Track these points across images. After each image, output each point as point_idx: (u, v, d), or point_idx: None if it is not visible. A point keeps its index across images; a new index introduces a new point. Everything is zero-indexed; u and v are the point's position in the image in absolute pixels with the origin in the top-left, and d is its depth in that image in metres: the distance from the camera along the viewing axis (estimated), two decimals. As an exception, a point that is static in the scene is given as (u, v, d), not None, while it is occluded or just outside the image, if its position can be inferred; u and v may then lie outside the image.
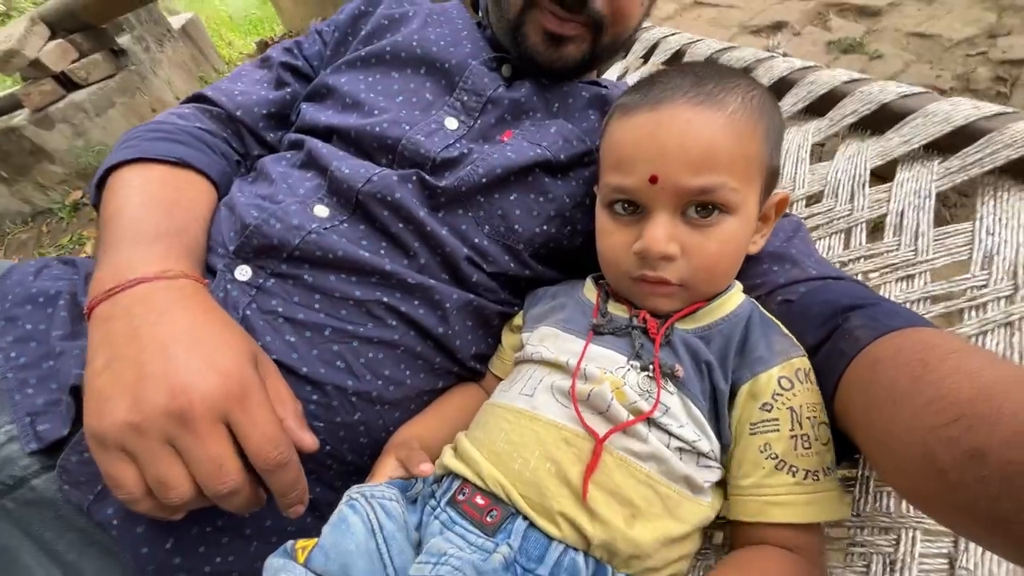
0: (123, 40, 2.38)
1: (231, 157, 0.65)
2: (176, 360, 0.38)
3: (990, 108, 0.59)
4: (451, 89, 0.61)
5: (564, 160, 0.57)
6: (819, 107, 0.72)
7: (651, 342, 0.45)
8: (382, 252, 0.53)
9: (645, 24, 0.98)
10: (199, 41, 3.12)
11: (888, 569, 0.40)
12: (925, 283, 0.55)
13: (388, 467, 0.45)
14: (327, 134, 0.60)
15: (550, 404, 0.43)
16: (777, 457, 0.40)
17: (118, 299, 0.41)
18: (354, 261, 0.51)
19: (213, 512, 0.41)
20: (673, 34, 0.95)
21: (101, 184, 0.55)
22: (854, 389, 0.39)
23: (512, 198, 0.56)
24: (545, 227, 0.57)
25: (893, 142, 0.63)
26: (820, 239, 0.63)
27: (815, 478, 0.40)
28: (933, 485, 0.30)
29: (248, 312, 0.49)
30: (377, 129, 0.57)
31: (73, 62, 2.18)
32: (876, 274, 0.57)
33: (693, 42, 0.91)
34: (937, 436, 0.29)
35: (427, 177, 0.54)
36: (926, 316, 0.52)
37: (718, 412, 0.43)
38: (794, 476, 0.40)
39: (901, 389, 0.33)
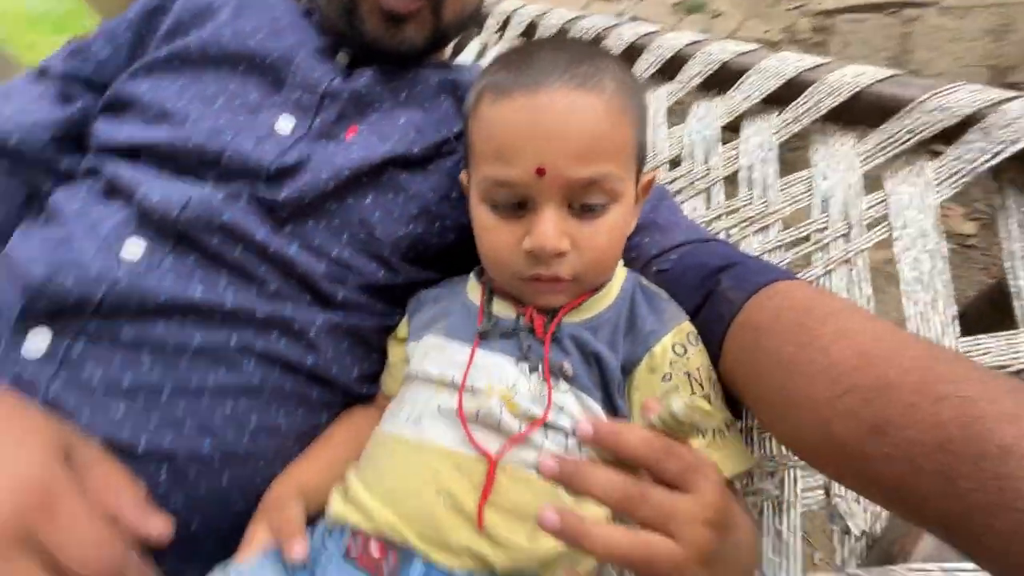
0: None
1: (14, 198, 0.53)
2: None
3: (811, 60, 0.63)
4: (279, 86, 0.53)
5: (419, 153, 0.53)
6: (669, 70, 0.74)
7: (539, 342, 0.42)
8: (223, 286, 0.45)
9: (515, 2, 0.95)
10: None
11: (776, 511, 0.43)
12: (777, 232, 0.58)
13: (259, 538, 0.39)
14: (132, 153, 0.50)
15: (439, 428, 0.40)
16: None
17: None
18: (185, 303, 0.43)
19: None
20: (524, 6, 0.93)
21: None
22: (739, 354, 0.40)
23: (367, 201, 0.51)
24: (410, 227, 0.52)
25: (736, 99, 0.66)
26: (685, 201, 0.65)
27: (722, 435, 0.40)
28: (833, 455, 0.31)
29: (53, 388, 0.39)
30: (193, 141, 0.48)
31: None
32: (736, 229, 0.60)
33: (545, 13, 0.89)
34: (833, 408, 0.30)
35: (262, 191, 0.47)
36: (783, 263, 0.56)
37: (612, 398, 0.42)
38: (703, 437, 0.40)
39: (788, 356, 0.34)
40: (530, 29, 0.90)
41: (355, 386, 0.52)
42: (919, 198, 0.53)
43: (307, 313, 0.47)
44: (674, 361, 0.41)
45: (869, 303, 0.50)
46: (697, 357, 0.42)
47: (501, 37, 0.95)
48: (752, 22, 1.53)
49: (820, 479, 0.44)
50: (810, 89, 0.61)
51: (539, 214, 0.40)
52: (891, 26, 1.34)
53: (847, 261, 0.53)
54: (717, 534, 0.27)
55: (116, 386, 0.41)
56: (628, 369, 0.42)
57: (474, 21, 0.63)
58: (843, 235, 0.54)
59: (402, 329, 0.53)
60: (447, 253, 0.56)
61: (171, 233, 0.45)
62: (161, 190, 0.45)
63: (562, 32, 0.85)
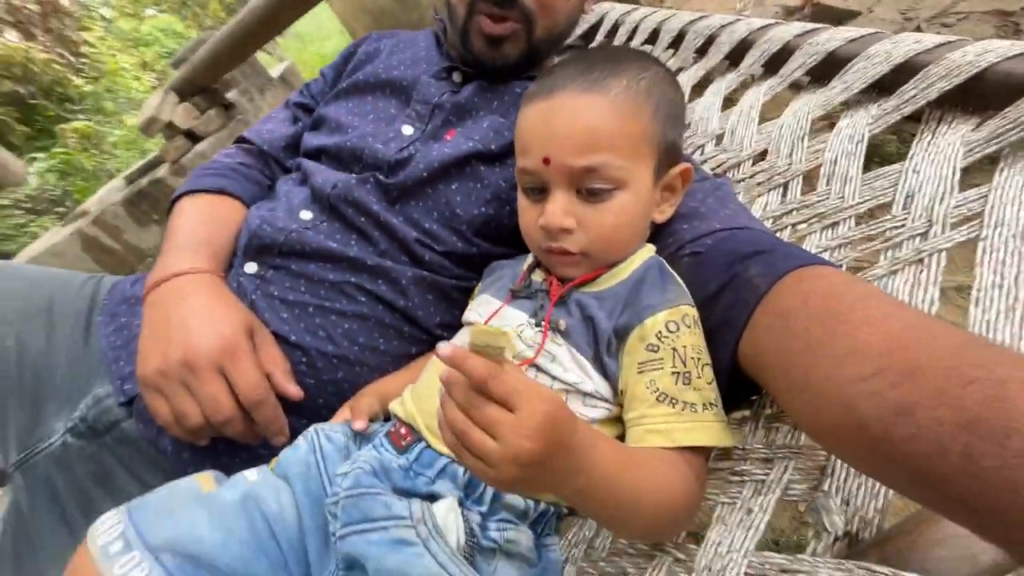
0: (231, 95, 2.84)
1: (263, 183, 0.83)
2: (190, 329, 0.54)
3: (933, 39, 0.56)
4: (408, 102, 0.72)
5: (496, 150, 0.66)
6: (774, 64, 0.72)
7: (550, 302, 0.52)
8: (352, 243, 0.66)
9: (646, 9, 1.01)
10: (295, 85, 3.59)
11: (756, 492, 0.44)
12: (848, 229, 0.54)
13: (344, 413, 0.58)
14: (318, 154, 0.75)
15: None
16: (659, 391, 0.44)
17: (159, 289, 0.60)
18: (325, 251, 0.64)
19: (239, 446, 0.57)
20: (653, 13, 0.98)
21: (170, 209, 0.75)
22: (766, 336, 0.41)
23: (453, 187, 0.66)
24: (483, 209, 0.66)
25: (835, 90, 0.62)
26: (760, 195, 0.64)
27: (693, 410, 0.43)
28: (855, 437, 0.31)
29: (254, 297, 0.64)
30: (349, 143, 0.70)
31: (195, 119, 2.66)
32: (804, 225, 0.58)
33: (670, 17, 0.93)
34: (858, 389, 0.31)
35: (381, 177, 0.66)
36: (845, 262, 0.52)
37: (601, 357, 0.48)
38: (673, 407, 0.43)
39: (816, 339, 0.36)
40: (633, 33, 0.95)
41: (436, 329, 0.68)
42: (1027, 193, 0.44)
43: (402, 267, 0.64)
44: (663, 335, 0.45)
45: (932, 307, 0.45)
46: (688, 337, 0.45)
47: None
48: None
49: (813, 474, 0.42)
50: (921, 72, 0.55)
51: (550, 197, 0.49)
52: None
53: (919, 261, 0.48)
54: (536, 446, 0.32)
55: (285, 299, 0.63)
56: (622, 335, 0.47)
57: (565, 38, 0.72)
58: (920, 233, 0.49)
59: (476, 288, 0.67)
60: (517, 233, 0.68)
61: (326, 205, 0.67)
62: (323, 177, 0.68)
63: (680, 35, 0.88)
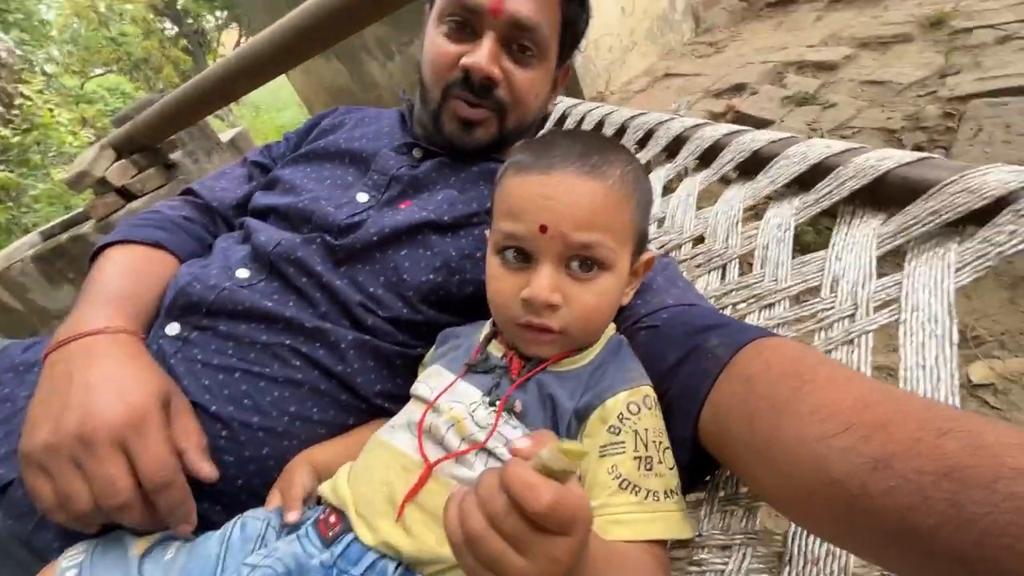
0: (175, 155, 2.77)
1: (204, 242, 0.78)
2: (93, 395, 0.47)
3: (840, 145, 0.64)
4: (366, 171, 0.72)
5: (449, 220, 0.66)
6: (707, 157, 0.78)
7: (509, 381, 0.48)
8: (290, 303, 0.62)
9: (591, 103, 1.10)
10: (244, 151, 3.57)
11: (714, 583, 0.41)
12: (784, 309, 0.57)
13: (275, 498, 0.51)
14: (265, 213, 0.72)
15: (403, 434, 0.48)
16: (621, 477, 0.42)
17: (65, 348, 0.52)
18: (260, 311, 0.59)
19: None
20: (597, 107, 1.06)
21: (94, 259, 0.68)
22: (730, 403, 0.41)
23: (403, 253, 0.65)
24: (432, 276, 0.65)
25: (762, 183, 0.68)
26: (701, 276, 0.67)
27: (656, 498, 0.41)
28: (827, 495, 0.30)
29: (173, 361, 0.57)
30: (300, 204, 0.68)
31: (132, 177, 2.55)
32: (744, 304, 0.61)
33: (611, 112, 1.01)
34: (829, 446, 0.30)
35: (329, 239, 0.64)
36: (783, 340, 0.55)
37: (567, 435, 0.46)
38: (636, 495, 0.41)
39: (783, 399, 0.35)
40: (598, 127, 1.03)
41: (376, 399, 0.63)
42: (935, 281, 0.49)
43: (343, 330, 0.61)
44: (625, 417, 0.43)
45: (865, 387, 0.47)
46: (649, 419, 0.44)
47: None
48: (872, 111, 1.46)
49: (771, 562, 0.41)
50: (834, 172, 0.61)
51: (538, 269, 0.47)
52: (1042, 108, 1.18)
53: (849, 342, 0.50)
54: (568, 562, 0.28)
55: (208, 363, 0.57)
56: (582, 417, 0.45)
57: (532, 129, 0.75)
58: (848, 316, 0.52)
59: (427, 357, 0.63)
60: (465, 302, 0.67)
61: (265, 263, 0.63)
62: (267, 235, 0.65)
63: (622, 128, 0.95)
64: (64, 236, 2.63)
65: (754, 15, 2.72)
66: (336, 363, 0.60)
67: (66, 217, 3.05)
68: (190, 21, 11.30)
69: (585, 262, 0.46)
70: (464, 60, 0.64)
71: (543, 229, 0.45)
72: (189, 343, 0.59)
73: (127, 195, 2.60)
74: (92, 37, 10.81)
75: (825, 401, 0.32)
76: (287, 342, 0.59)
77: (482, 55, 0.63)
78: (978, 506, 0.24)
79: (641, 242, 0.52)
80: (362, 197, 0.69)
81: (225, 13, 11.37)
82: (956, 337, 0.45)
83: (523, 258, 0.48)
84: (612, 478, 0.42)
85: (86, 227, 2.61)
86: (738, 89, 1.79)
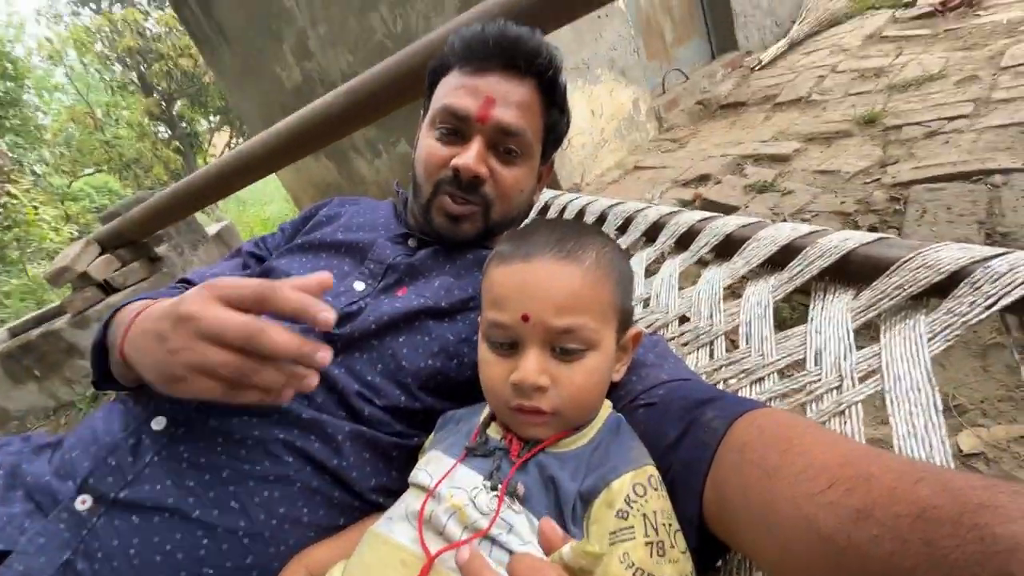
0: (161, 248, 2.80)
1: None
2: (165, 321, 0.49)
3: (804, 228, 0.69)
4: (362, 261, 0.74)
5: (446, 306, 0.67)
6: (684, 241, 0.84)
7: (510, 464, 0.47)
8: None
9: (571, 194, 1.18)
10: (230, 243, 3.62)
11: None
12: (773, 383, 0.59)
13: None
14: None
15: (402, 526, 0.46)
16: (635, 566, 0.40)
17: (129, 334, 0.55)
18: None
19: None
20: (576, 198, 1.14)
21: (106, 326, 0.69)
22: (727, 474, 0.41)
23: (401, 340, 0.65)
24: (430, 361, 0.65)
25: (738, 264, 0.73)
26: (690, 354, 0.69)
27: None
28: (820, 553, 0.31)
29: (156, 459, 0.54)
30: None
31: (115, 271, 2.54)
32: (735, 379, 0.62)
33: (592, 202, 1.09)
34: (816, 503, 0.31)
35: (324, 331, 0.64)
36: (777, 414, 0.56)
37: (566, 525, 0.44)
38: None
39: (772, 464, 0.36)
40: (579, 215, 1.10)
41: (371, 494, 0.60)
42: (912, 351, 0.52)
43: (339, 422, 0.59)
44: (632, 500, 0.43)
45: (862, 458, 0.47)
46: (656, 501, 0.43)
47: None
48: (826, 196, 1.59)
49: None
50: (802, 253, 0.66)
51: (525, 354, 0.48)
52: (976, 192, 1.31)
53: (841, 413, 0.52)
54: None
55: (195, 462, 0.55)
56: (587, 500, 0.44)
57: (519, 222, 0.80)
58: (835, 387, 0.54)
59: (427, 442, 0.61)
60: (464, 387, 0.67)
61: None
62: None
63: (602, 216, 1.02)
64: (35, 332, 2.56)
65: (709, 115, 3.02)
66: (331, 456, 0.58)
67: (40, 311, 2.98)
68: (184, 125, 11.92)
69: (569, 344, 0.48)
70: (454, 161, 0.69)
71: (525, 318, 0.47)
72: (176, 440, 0.56)
73: (107, 289, 2.57)
74: (86, 140, 11.26)
75: (812, 462, 0.34)
76: (280, 436, 0.57)
77: (470, 156, 0.68)
78: (947, 540, 0.25)
79: (625, 319, 0.54)
80: (359, 286, 0.70)
81: (218, 117, 12.07)
82: (940, 404, 0.47)
83: (510, 344, 0.50)
84: (625, 567, 0.40)
85: (59, 323, 2.55)
86: (703, 179, 1.95)
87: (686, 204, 1.85)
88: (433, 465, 0.52)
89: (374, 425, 0.61)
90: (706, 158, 2.15)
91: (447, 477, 0.48)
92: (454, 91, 0.70)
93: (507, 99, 0.69)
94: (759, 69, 3.50)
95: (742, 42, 3.80)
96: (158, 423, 0.58)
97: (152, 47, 10.48)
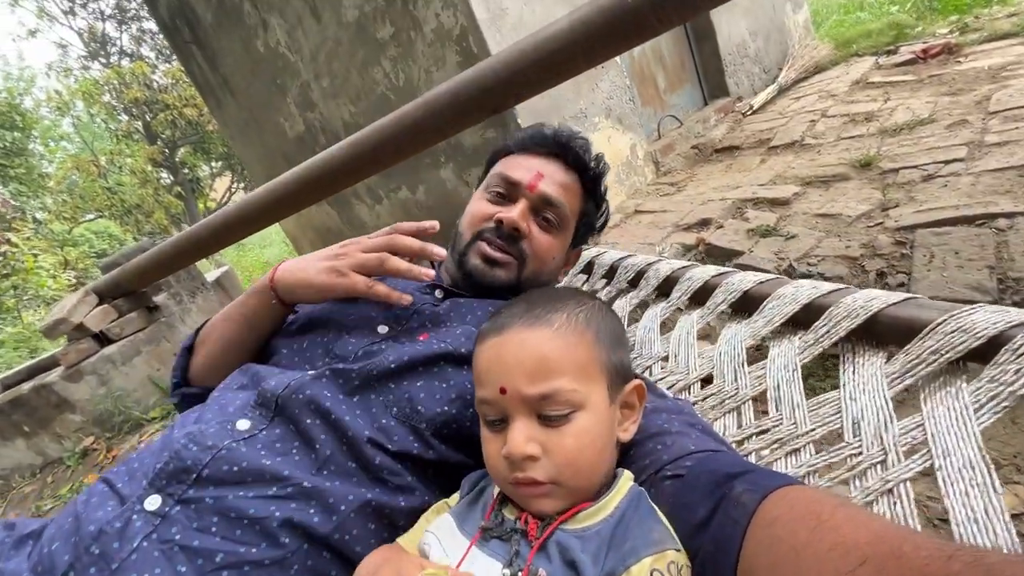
0: (159, 298, 2.77)
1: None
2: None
3: (826, 286, 0.68)
4: (390, 307, 0.74)
5: (466, 353, 0.66)
6: (699, 297, 0.82)
7: (528, 546, 0.45)
8: (293, 453, 0.57)
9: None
10: (230, 290, 3.61)
11: None
12: (810, 455, 0.56)
13: None
14: (282, 349, 0.72)
15: None
16: None
17: (279, 273, 0.75)
18: (256, 471, 0.54)
19: None
20: (586, 248, 1.13)
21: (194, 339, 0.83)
22: (757, 551, 0.39)
23: (418, 384, 0.63)
24: (446, 408, 0.62)
25: (759, 323, 0.71)
26: (717, 419, 0.66)
27: None
28: None
29: (145, 544, 0.50)
30: (322, 339, 0.71)
31: (112, 321, 2.51)
32: (767, 450, 0.59)
33: (601, 254, 1.08)
34: None
35: (341, 366, 0.63)
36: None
37: None
38: None
39: (802, 541, 0.35)
40: (588, 267, 1.08)
41: None
42: (958, 424, 0.49)
43: (343, 488, 0.55)
44: None
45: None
46: None
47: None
48: (830, 240, 1.59)
49: None
50: (826, 313, 0.64)
51: (511, 426, 0.47)
52: (982, 236, 1.31)
53: (888, 491, 0.48)
54: None
55: (187, 546, 0.50)
56: None
57: (551, 280, 0.86)
58: (879, 462, 0.51)
59: (453, 499, 0.57)
60: (478, 440, 0.63)
61: (271, 409, 0.60)
62: (276, 380, 0.62)
63: (612, 268, 1.01)
64: (27, 386, 2.50)
65: (705, 159, 3.08)
66: (333, 531, 0.54)
67: (32, 363, 2.92)
68: (186, 171, 12.14)
69: (551, 409, 0.47)
70: (499, 214, 0.77)
71: (503, 391, 0.48)
72: (168, 521, 0.52)
73: (103, 340, 2.53)
74: (89, 187, 11.43)
75: (842, 539, 0.32)
76: (278, 514, 0.53)
77: (515, 211, 0.77)
78: None
79: (618, 373, 0.52)
80: (382, 329, 0.72)
81: (219, 163, 12.31)
82: (999, 485, 0.44)
83: (500, 419, 0.49)
84: None
85: (52, 375, 2.49)
86: (704, 223, 1.95)
87: (689, 249, 1.84)
88: (444, 533, 0.49)
89: (384, 479, 0.58)
90: (705, 202, 2.17)
91: (463, 563, 0.45)
92: (510, 166, 0.82)
93: (553, 177, 0.80)
94: (751, 114, 3.60)
95: (732, 88, 3.93)
96: (152, 502, 0.54)
97: (158, 98, 10.80)
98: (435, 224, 0.71)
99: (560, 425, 0.47)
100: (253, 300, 0.76)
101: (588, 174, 0.84)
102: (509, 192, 0.80)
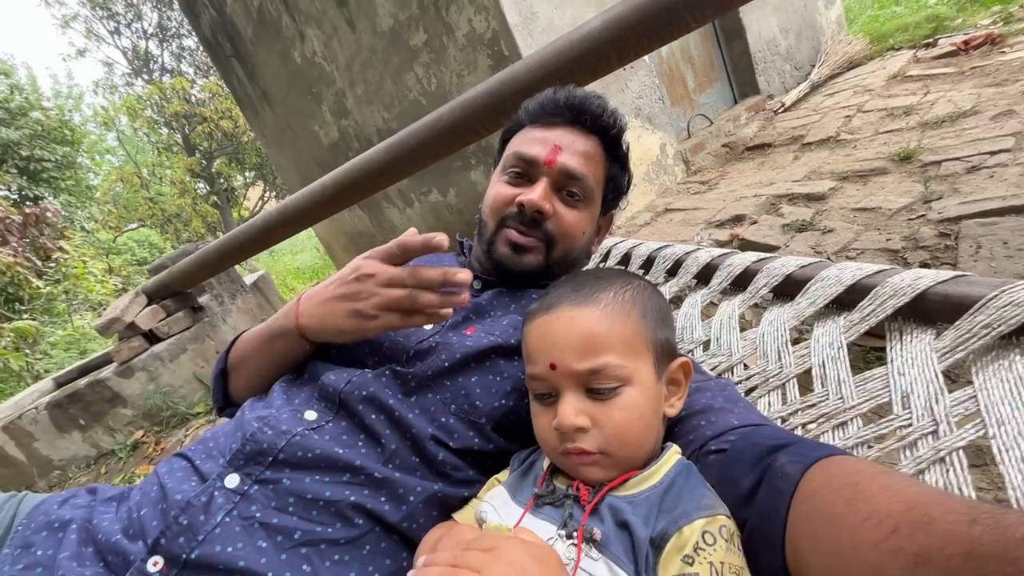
0: (203, 299, 2.90)
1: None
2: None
3: (870, 268, 0.68)
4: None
5: (515, 343, 0.68)
6: (740, 282, 0.83)
7: (581, 510, 0.47)
8: (359, 445, 0.60)
9: (613, 239, 1.19)
10: (267, 292, 3.74)
11: None
12: (857, 428, 0.56)
13: None
14: (330, 349, 0.74)
15: None
16: None
17: (302, 312, 0.69)
18: (329, 458, 0.58)
19: None
20: (622, 241, 1.15)
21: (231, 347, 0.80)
22: (800, 522, 0.40)
23: (473, 379, 0.65)
24: (503, 401, 0.64)
25: (802, 304, 0.72)
26: (760, 398, 0.67)
27: None
28: None
29: (228, 519, 0.53)
30: (377, 341, 0.71)
31: (160, 320, 2.64)
32: (814, 424, 0.60)
33: (636, 245, 1.09)
34: (881, 551, 0.31)
35: (399, 368, 0.65)
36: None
37: (640, 572, 0.43)
38: None
39: (838, 512, 0.36)
40: (625, 259, 1.10)
41: None
42: (1013, 393, 0.49)
43: (410, 480, 0.58)
44: (700, 547, 0.41)
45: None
46: (725, 553, 0.41)
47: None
48: (869, 234, 1.56)
49: None
50: (872, 292, 0.65)
51: (561, 399, 0.50)
52: (1033, 226, 1.27)
53: (940, 460, 0.49)
54: None
55: (267, 523, 0.54)
56: (659, 545, 0.43)
57: (580, 265, 0.82)
58: (931, 432, 0.51)
59: (503, 474, 0.60)
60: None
61: (335, 403, 0.63)
62: (335, 375, 0.65)
63: (649, 259, 1.02)
64: (83, 381, 2.64)
65: (736, 157, 3.05)
66: (402, 519, 0.57)
67: (85, 361, 3.09)
68: (222, 181, 12.61)
69: (600, 383, 0.49)
70: (520, 197, 0.73)
71: (553, 367, 0.50)
72: (248, 499, 0.56)
73: (151, 339, 2.66)
74: (132, 197, 11.98)
75: (876, 509, 0.33)
76: (352, 498, 0.56)
77: (535, 193, 0.73)
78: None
79: (663, 350, 0.54)
80: (427, 325, 0.71)
81: (253, 173, 12.74)
82: (1056, 450, 0.44)
83: (550, 394, 0.52)
84: None
85: (106, 371, 2.63)
86: (738, 220, 1.94)
87: (723, 245, 1.84)
88: (499, 502, 0.51)
89: (447, 473, 0.61)
90: (738, 199, 2.16)
91: (519, 527, 0.47)
92: (525, 141, 0.76)
93: (573, 148, 0.74)
94: (782, 111, 3.55)
95: (763, 86, 3.88)
96: (231, 480, 0.57)
97: (196, 111, 11.27)
98: (444, 239, 0.62)
99: (608, 399, 0.49)
100: (281, 343, 0.72)
101: (608, 135, 0.77)
102: (527, 171, 0.75)
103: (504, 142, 0.83)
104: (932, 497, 0.33)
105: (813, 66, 4.19)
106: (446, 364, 0.65)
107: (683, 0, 1.04)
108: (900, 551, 0.30)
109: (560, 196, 0.75)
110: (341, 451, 0.58)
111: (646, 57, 2.95)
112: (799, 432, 0.60)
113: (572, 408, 0.49)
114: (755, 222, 1.85)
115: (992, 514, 0.29)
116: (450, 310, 0.64)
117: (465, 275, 0.62)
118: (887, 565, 0.31)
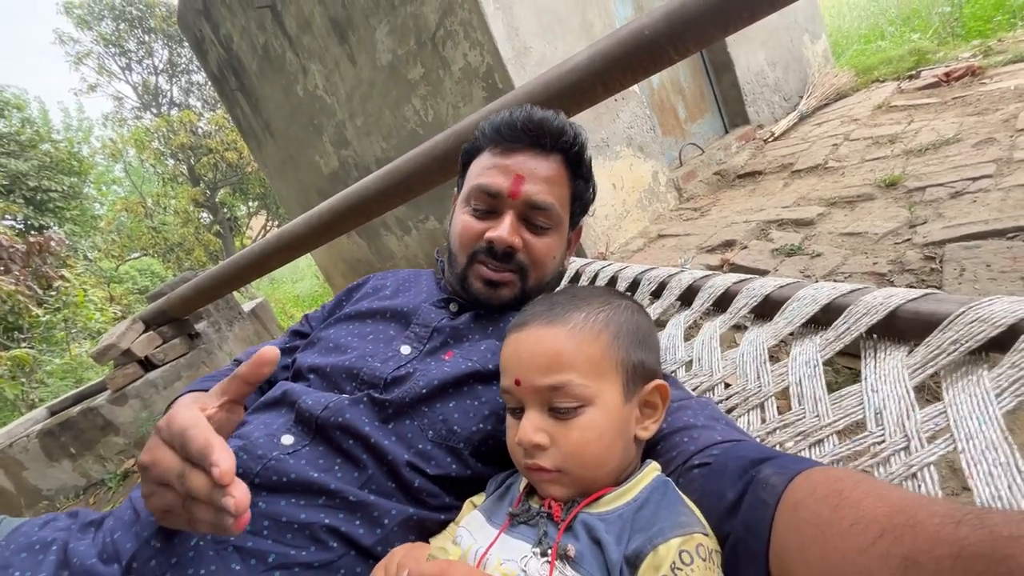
0: (200, 325, 2.91)
1: (263, 388, 0.80)
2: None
3: (845, 287, 0.69)
4: (407, 325, 0.76)
5: (493, 368, 0.68)
6: (721, 303, 0.84)
7: (556, 527, 0.47)
8: (335, 470, 0.60)
9: (598, 262, 1.21)
10: (264, 320, 3.74)
11: None
12: (833, 446, 0.57)
13: None
14: (308, 373, 0.74)
15: None
16: None
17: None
18: (304, 483, 0.58)
19: None
20: (608, 265, 1.17)
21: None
22: (786, 532, 0.40)
23: (451, 405, 0.65)
24: (481, 425, 0.64)
25: (780, 324, 0.73)
26: (740, 416, 0.67)
27: None
28: None
29: (201, 543, 0.53)
30: (346, 363, 0.70)
31: (156, 347, 2.64)
32: (791, 442, 0.60)
33: (622, 268, 1.11)
34: (869, 556, 0.32)
35: (376, 395, 0.65)
36: (842, 479, 0.53)
37: None
38: None
39: (825, 520, 0.36)
40: (611, 282, 1.12)
41: None
42: (980, 408, 0.50)
43: (386, 503, 0.58)
44: (677, 567, 0.41)
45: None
46: (702, 573, 0.41)
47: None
48: (857, 258, 1.58)
49: None
50: (846, 311, 0.66)
51: (524, 415, 0.51)
52: (1015, 248, 1.29)
53: (912, 475, 0.49)
54: None
55: (241, 547, 0.54)
56: (634, 563, 0.43)
57: (553, 287, 0.83)
58: (902, 448, 0.51)
59: (479, 498, 0.60)
60: None
61: (311, 427, 0.63)
62: (312, 399, 0.66)
63: (635, 282, 1.04)
64: (76, 409, 2.62)
65: (728, 184, 3.10)
66: (376, 542, 0.57)
67: (80, 389, 3.07)
68: (225, 211, 12.78)
69: (561, 402, 0.50)
70: (488, 234, 0.73)
71: (517, 382, 0.52)
72: None
73: (147, 365, 2.66)
74: (136, 227, 12.12)
75: (862, 514, 0.34)
76: (327, 521, 0.56)
77: (504, 229, 0.73)
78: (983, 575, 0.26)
79: (636, 372, 0.54)
80: (405, 349, 0.72)
81: (256, 202, 12.93)
82: (1022, 464, 0.45)
83: (519, 407, 0.53)
84: None
85: (100, 399, 2.61)
86: (728, 245, 1.97)
87: (713, 270, 1.85)
88: (475, 526, 0.51)
89: (423, 500, 0.60)
90: (729, 224, 2.19)
91: (494, 546, 0.47)
92: (487, 171, 0.75)
93: (535, 175, 0.73)
94: (772, 140, 3.63)
95: (753, 116, 3.98)
96: None
97: (202, 143, 11.53)
98: (274, 357, 0.56)
99: (569, 418, 0.50)
100: None
101: (570, 153, 0.76)
102: (492, 204, 0.75)
103: (464, 164, 0.82)
104: (915, 501, 0.33)
105: (801, 97, 4.31)
106: (424, 391, 0.65)
107: (664, 34, 1.08)
108: (888, 555, 0.30)
109: (527, 225, 0.75)
110: (316, 475, 0.58)
111: (636, 89, 3.04)
112: (778, 450, 0.60)
113: (532, 425, 0.50)
114: (745, 247, 1.88)
115: (976, 514, 0.29)
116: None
117: (218, 472, 0.43)
118: (875, 570, 0.31)
